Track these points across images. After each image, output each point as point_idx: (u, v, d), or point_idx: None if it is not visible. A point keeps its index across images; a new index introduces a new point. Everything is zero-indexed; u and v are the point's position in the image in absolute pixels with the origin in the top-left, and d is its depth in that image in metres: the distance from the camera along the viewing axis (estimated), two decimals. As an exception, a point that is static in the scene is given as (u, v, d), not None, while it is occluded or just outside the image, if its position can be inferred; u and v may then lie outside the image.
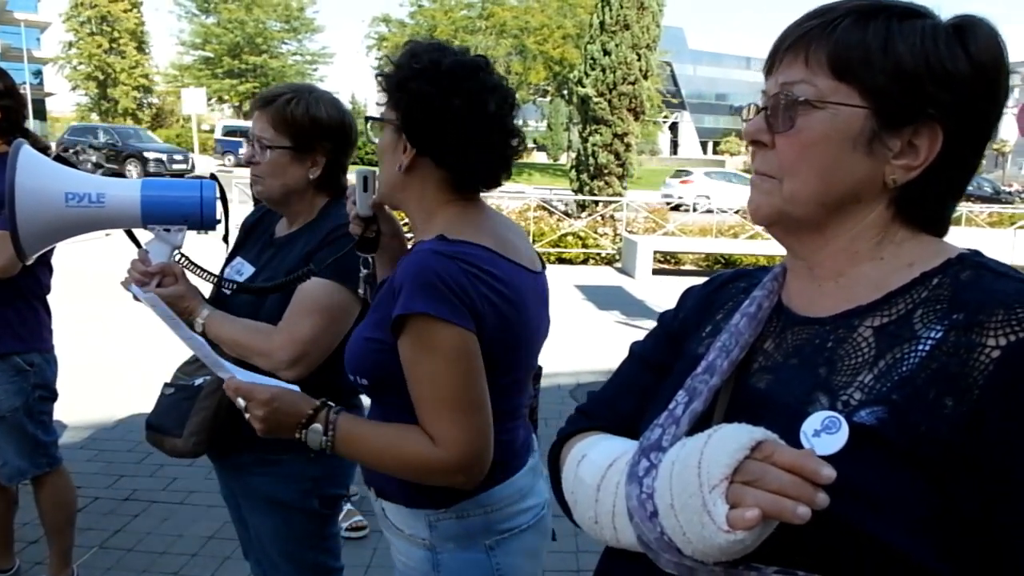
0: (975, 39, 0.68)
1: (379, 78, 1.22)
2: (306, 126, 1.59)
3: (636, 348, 0.92)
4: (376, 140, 1.24)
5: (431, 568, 1.26)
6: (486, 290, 1.12)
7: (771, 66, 0.74)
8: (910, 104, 0.67)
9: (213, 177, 1.55)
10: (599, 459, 0.77)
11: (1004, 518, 0.61)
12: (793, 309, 0.78)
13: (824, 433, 0.64)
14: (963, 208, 13.53)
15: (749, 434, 0.62)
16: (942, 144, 0.68)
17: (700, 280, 0.92)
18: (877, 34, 0.68)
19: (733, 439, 0.62)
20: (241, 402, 1.15)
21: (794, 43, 0.72)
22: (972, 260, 0.70)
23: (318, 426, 1.14)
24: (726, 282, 0.87)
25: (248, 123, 1.82)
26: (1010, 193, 26.73)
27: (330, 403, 1.17)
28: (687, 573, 0.66)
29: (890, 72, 0.67)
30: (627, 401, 0.79)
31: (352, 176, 1.32)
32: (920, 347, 0.65)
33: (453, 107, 1.14)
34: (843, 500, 0.60)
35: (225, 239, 1.70)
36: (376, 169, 1.27)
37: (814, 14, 0.72)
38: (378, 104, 1.24)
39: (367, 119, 1.25)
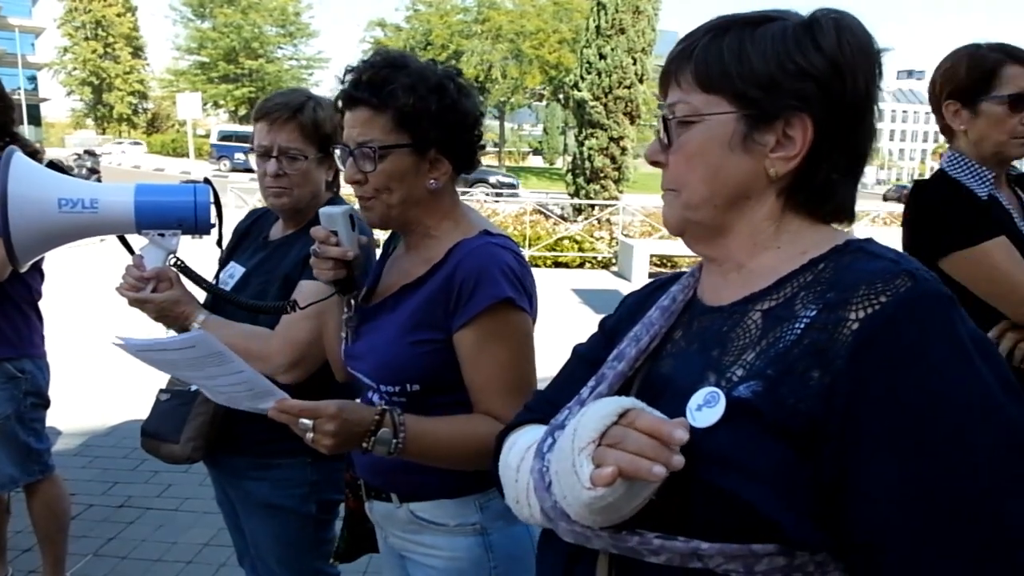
0: (823, 34, 0.73)
1: (392, 106, 1.15)
2: (330, 131, 1.62)
3: (577, 347, 0.98)
4: (370, 169, 1.18)
5: (483, 551, 1.26)
6: (527, 278, 1.22)
7: (663, 95, 0.82)
8: (771, 101, 0.73)
9: (207, 181, 1.54)
10: (523, 443, 0.84)
11: (849, 482, 0.63)
12: (703, 301, 0.84)
13: (705, 407, 0.69)
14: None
15: (617, 403, 0.69)
16: (816, 132, 0.73)
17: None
18: (731, 46, 0.74)
19: (603, 408, 0.69)
20: (307, 422, 1.05)
21: (667, 70, 0.80)
22: (856, 245, 0.75)
23: (387, 430, 1.09)
24: (664, 284, 0.92)
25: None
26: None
27: (386, 407, 1.12)
28: (584, 541, 0.71)
29: (747, 77, 0.73)
30: (563, 395, 0.84)
31: (328, 218, 1.22)
32: (797, 325, 0.69)
33: (479, 118, 1.25)
34: (719, 468, 0.66)
35: (219, 244, 1.69)
36: (350, 205, 1.24)
37: (680, 41, 0.80)
38: (366, 133, 1.18)
39: (381, 149, 1.17)
